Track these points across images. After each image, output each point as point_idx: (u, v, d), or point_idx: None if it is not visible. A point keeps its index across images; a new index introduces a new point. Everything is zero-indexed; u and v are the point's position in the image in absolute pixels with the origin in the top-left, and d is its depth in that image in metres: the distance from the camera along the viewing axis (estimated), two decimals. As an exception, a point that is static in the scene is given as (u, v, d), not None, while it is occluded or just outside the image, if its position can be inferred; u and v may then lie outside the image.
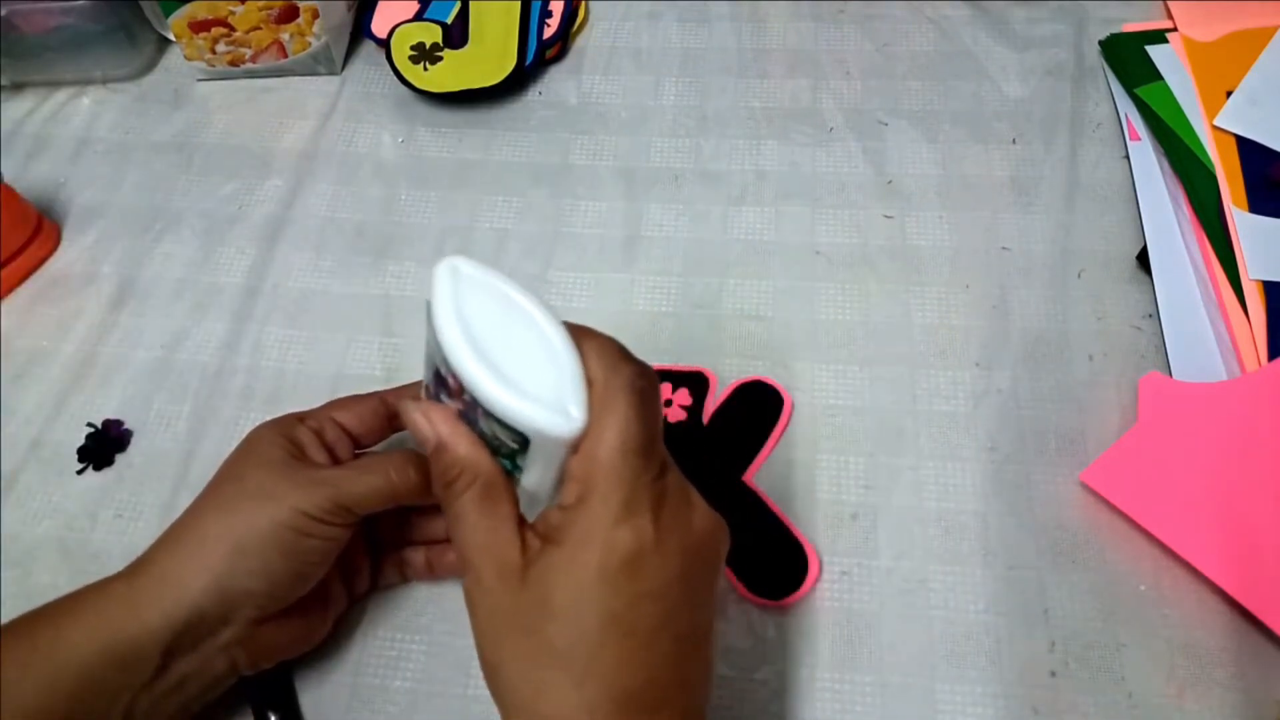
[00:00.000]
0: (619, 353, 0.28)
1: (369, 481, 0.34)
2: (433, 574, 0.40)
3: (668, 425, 0.43)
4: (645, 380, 0.27)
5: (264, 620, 0.33)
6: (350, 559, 0.38)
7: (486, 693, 0.38)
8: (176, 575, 0.32)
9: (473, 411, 0.28)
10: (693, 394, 0.45)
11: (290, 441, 0.35)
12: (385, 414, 0.38)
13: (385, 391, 0.39)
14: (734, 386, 0.45)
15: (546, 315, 0.28)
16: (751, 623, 0.39)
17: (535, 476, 0.29)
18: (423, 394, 0.32)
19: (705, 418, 0.44)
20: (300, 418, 0.37)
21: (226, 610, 0.32)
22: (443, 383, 0.29)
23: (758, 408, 0.44)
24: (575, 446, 0.27)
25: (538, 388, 0.26)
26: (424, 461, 0.36)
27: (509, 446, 0.28)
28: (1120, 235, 0.48)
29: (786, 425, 0.43)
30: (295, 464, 0.34)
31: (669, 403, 0.44)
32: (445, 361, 0.27)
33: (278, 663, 0.36)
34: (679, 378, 0.45)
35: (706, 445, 0.43)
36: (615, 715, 0.26)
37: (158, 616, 0.31)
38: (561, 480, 0.28)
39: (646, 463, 0.27)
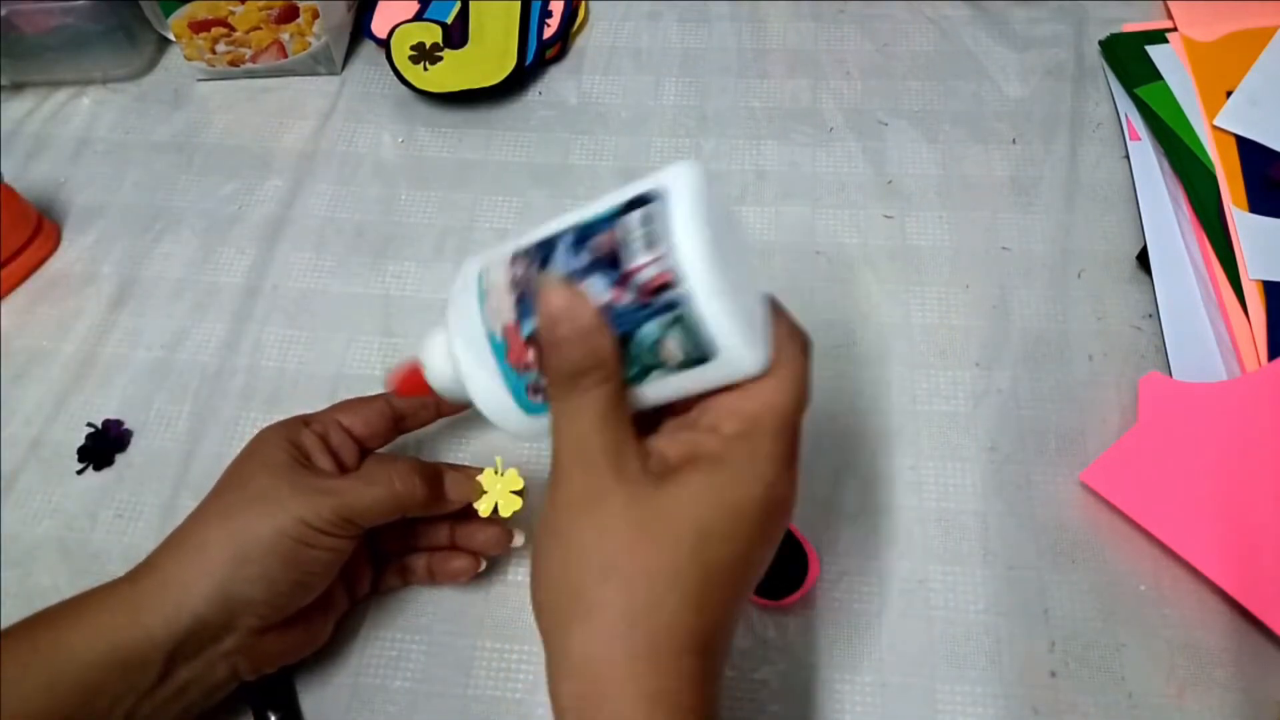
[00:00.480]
0: (794, 321, 0.28)
1: (374, 494, 0.34)
2: (434, 580, 0.40)
3: None
4: (809, 354, 0.28)
5: (266, 629, 0.33)
6: (352, 565, 0.38)
7: (486, 693, 0.38)
8: (179, 581, 0.32)
9: (636, 311, 0.26)
10: None
11: (295, 446, 0.35)
12: (391, 416, 0.38)
13: (390, 394, 0.39)
14: None
15: (750, 255, 0.28)
16: (751, 623, 0.39)
17: (654, 394, 0.27)
18: (508, 277, 0.28)
19: None
20: (305, 421, 0.37)
21: (228, 618, 0.32)
22: (612, 270, 0.26)
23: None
24: (733, 385, 0.27)
25: (744, 314, 0.26)
26: (428, 470, 0.36)
27: (662, 359, 0.26)
28: (1120, 235, 0.48)
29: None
30: (299, 470, 0.34)
31: None
32: (670, 251, 0.25)
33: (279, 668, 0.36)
34: None
35: None
36: (700, 639, 0.25)
37: (160, 623, 0.31)
38: (668, 409, 0.28)
39: (800, 427, 0.27)
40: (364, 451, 0.38)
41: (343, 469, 0.36)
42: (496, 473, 0.37)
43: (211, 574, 0.32)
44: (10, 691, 0.29)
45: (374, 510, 0.34)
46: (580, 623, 0.25)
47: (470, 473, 0.37)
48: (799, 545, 0.40)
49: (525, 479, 0.37)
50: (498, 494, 0.37)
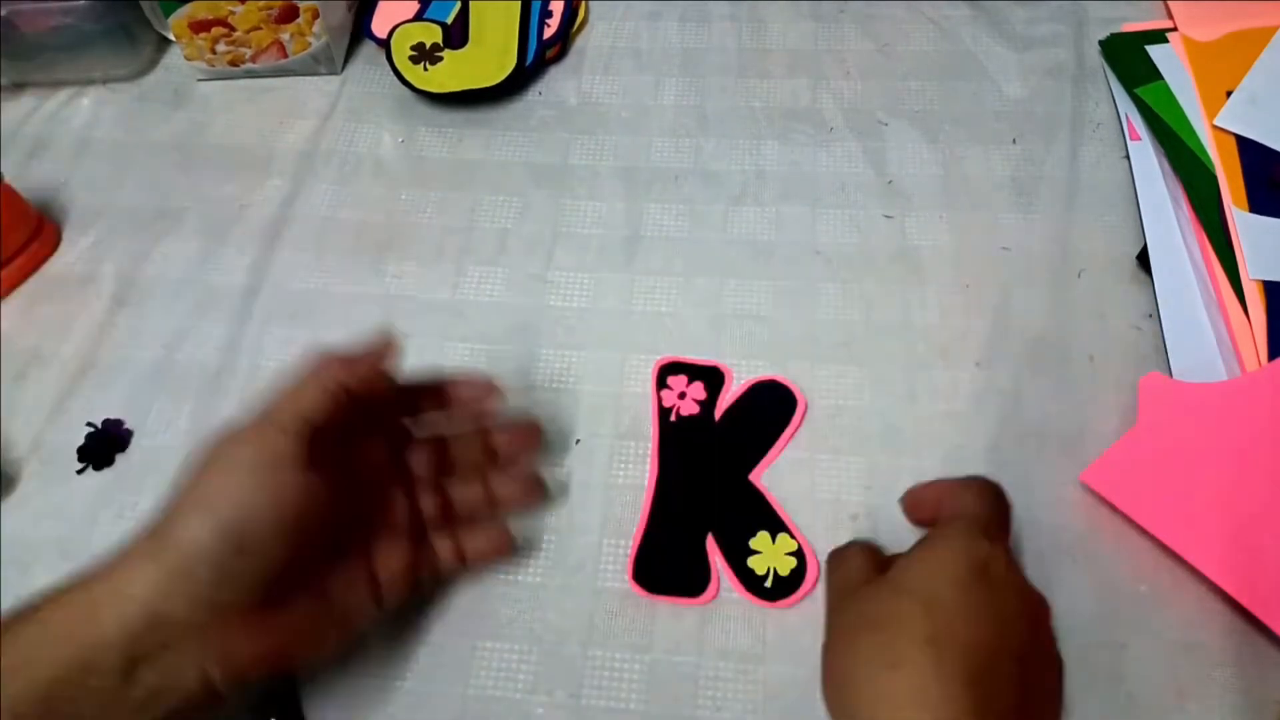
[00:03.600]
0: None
1: (291, 388, 0.33)
2: (464, 561, 0.38)
3: (679, 419, 0.44)
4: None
5: (235, 621, 0.31)
6: (364, 563, 0.36)
7: (486, 693, 0.38)
8: (128, 570, 0.30)
9: None
10: (708, 389, 0.45)
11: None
12: (403, 406, 0.39)
13: (404, 385, 0.38)
14: (748, 385, 0.45)
15: None
16: (751, 623, 0.39)
17: None
18: None
19: (718, 414, 0.44)
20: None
21: (182, 604, 0.30)
22: None
23: (770, 408, 0.44)
24: None
25: None
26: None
27: None
28: (1120, 235, 0.48)
29: (798, 427, 0.43)
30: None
31: (683, 395, 0.45)
32: None
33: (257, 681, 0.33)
34: (694, 371, 0.45)
35: (716, 442, 0.43)
36: (961, 677, 0.29)
37: (114, 619, 0.29)
38: None
39: (992, 527, 0.35)
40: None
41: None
42: (771, 540, 0.40)
43: (153, 554, 0.30)
44: None
45: (293, 404, 0.32)
46: (849, 688, 0.31)
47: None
48: (799, 548, 0.40)
49: (796, 543, 0.40)
50: (772, 559, 0.40)
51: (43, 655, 0.29)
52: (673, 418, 0.44)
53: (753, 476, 0.42)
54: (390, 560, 0.36)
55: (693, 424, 0.44)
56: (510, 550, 0.40)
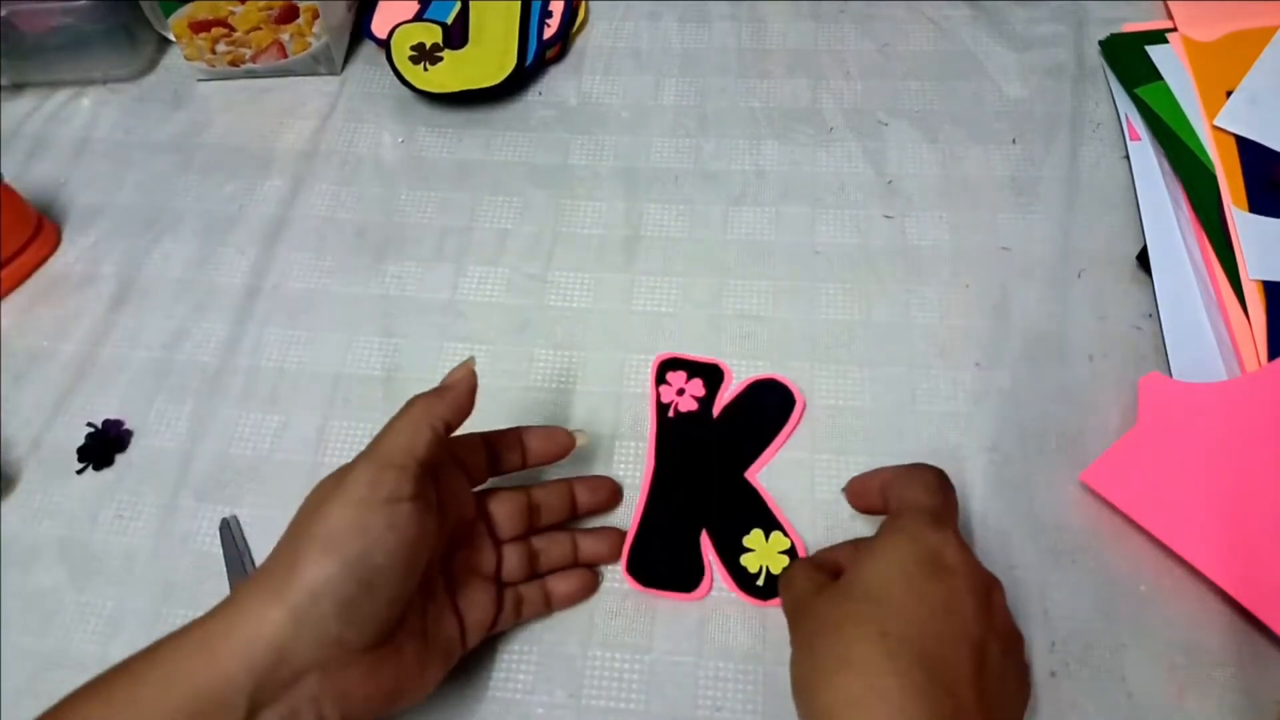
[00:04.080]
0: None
1: (395, 427, 0.33)
2: (549, 608, 0.39)
3: (678, 415, 0.44)
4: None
5: (352, 661, 0.31)
6: (454, 598, 0.36)
7: (487, 693, 0.38)
8: (252, 611, 0.30)
9: None
10: (706, 385, 0.45)
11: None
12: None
13: (487, 433, 0.39)
14: (747, 383, 0.45)
15: None
16: (751, 623, 0.39)
17: None
18: None
19: (716, 411, 0.44)
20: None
21: (305, 647, 0.30)
22: None
23: (768, 406, 0.44)
24: None
25: None
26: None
27: None
28: (1120, 235, 0.48)
29: (796, 426, 0.44)
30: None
31: (681, 392, 0.45)
32: None
33: None
34: (694, 368, 0.46)
35: (714, 439, 0.43)
36: (916, 668, 0.29)
37: (238, 661, 0.29)
38: None
39: (942, 515, 0.35)
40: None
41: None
42: (764, 538, 0.40)
43: (278, 595, 0.30)
44: None
45: (399, 441, 0.33)
46: (809, 694, 0.31)
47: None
48: (792, 548, 0.40)
49: (789, 541, 0.40)
50: (765, 557, 0.40)
51: (165, 696, 0.29)
52: (671, 414, 0.44)
53: (749, 474, 0.42)
54: (476, 599, 0.37)
55: (691, 420, 0.44)
56: (595, 590, 0.40)
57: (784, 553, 0.40)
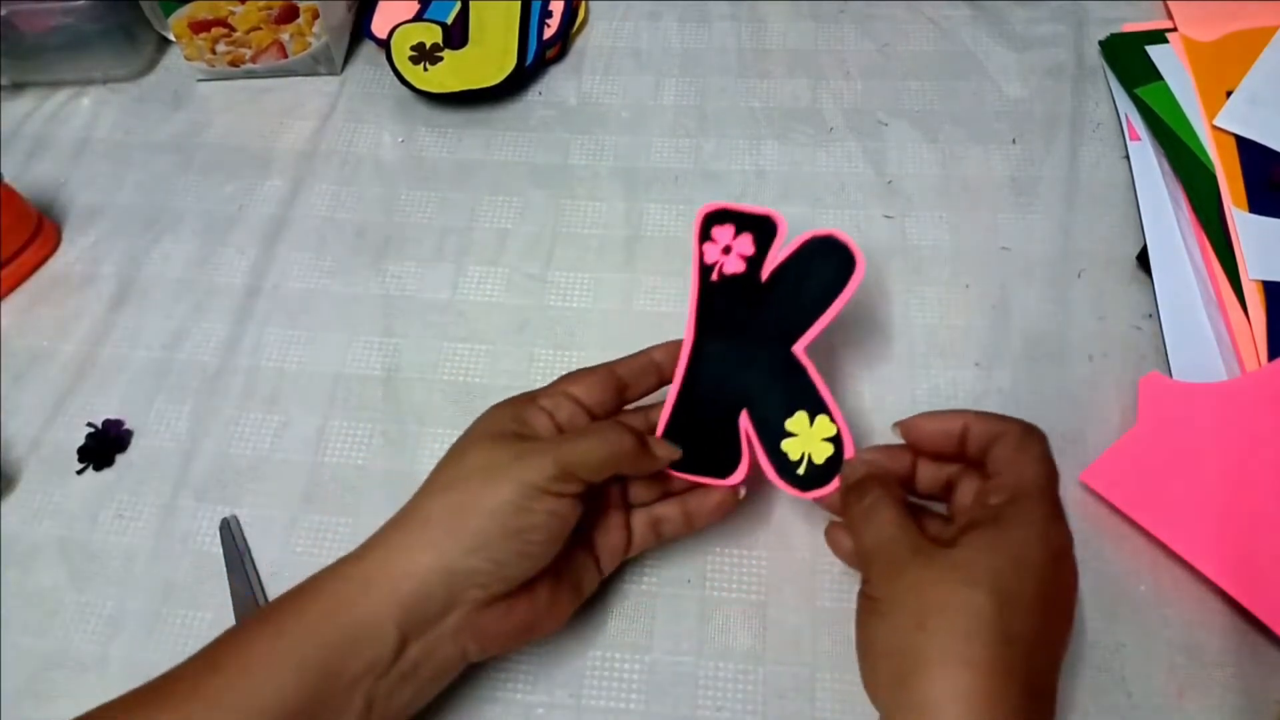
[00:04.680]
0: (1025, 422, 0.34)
1: (587, 444, 0.34)
2: (691, 527, 0.39)
3: (722, 278, 0.39)
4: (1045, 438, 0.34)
5: (491, 603, 0.33)
6: (591, 536, 0.37)
7: (487, 692, 0.38)
8: (404, 553, 0.32)
9: None
10: (756, 242, 0.39)
11: (518, 420, 0.35)
12: (615, 386, 0.38)
13: (613, 363, 0.39)
14: (803, 240, 0.38)
15: None
16: (751, 623, 0.39)
17: None
18: None
19: (765, 273, 0.39)
20: (533, 397, 0.37)
21: (453, 590, 0.32)
22: None
23: (825, 268, 0.38)
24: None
25: None
26: (635, 427, 0.36)
27: None
28: (1120, 235, 0.48)
29: (854, 291, 0.38)
30: (520, 440, 0.34)
31: (728, 250, 0.39)
32: None
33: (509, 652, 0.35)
34: (744, 220, 0.39)
35: (761, 305, 0.38)
36: (1021, 669, 0.28)
37: (389, 594, 0.31)
38: None
39: (1059, 500, 0.32)
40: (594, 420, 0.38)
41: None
42: (809, 423, 0.36)
43: (434, 544, 0.32)
44: (262, 674, 0.30)
45: (588, 461, 0.33)
46: (913, 676, 0.28)
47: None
48: (838, 436, 0.37)
49: (835, 428, 0.36)
50: (808, 443, 0.36)
51: (327, 625, 0.31)
52: (714, 276, 0.39)
53: (797, 348, 0.38)
54: (604, 526, 0.38)
55: (737, 284, 0.39)
56: (735, 506, 0.38)
57: (829, 440, 0.36)
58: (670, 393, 0.39)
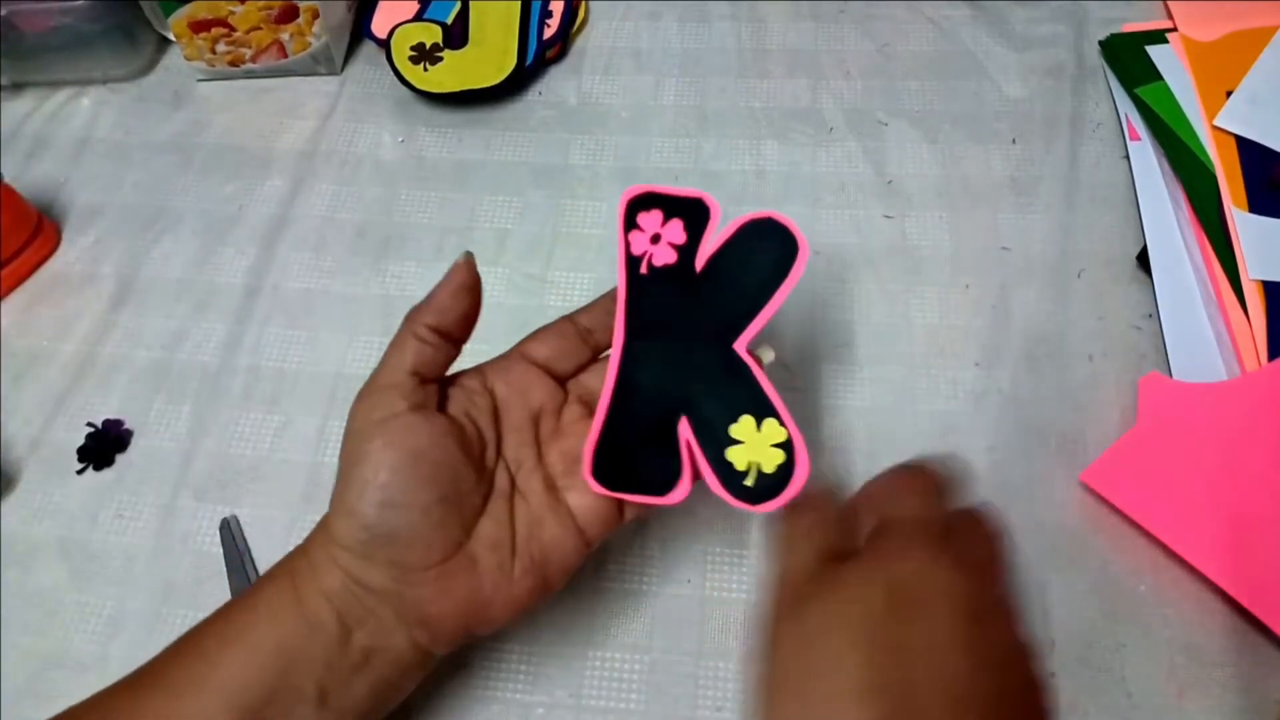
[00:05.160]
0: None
1: (390, 347, 0.34)
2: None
3: (652, 270, 0.35)
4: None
5: (420, 574, 0.31)
6: (551, 504, 0.34)
7: (488, 692, 0.38)
8: (323, 552, 0.32)
9: None
10: (688, 228, 0.35)
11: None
12: (576, 333, 0.36)
13: (572, 313, 0.37)
14: (739, 224, 0.34)
15: None
16: (752, 622, 0.39)
17: None
18: None
19: (699, 263, 0.34)
20: (463, 374, 0.36)
21: (368, 565, 0.31)
22: None
23: (764, 254, 0.34)
24: None
25: None
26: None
27: None
28: (1120, 235, 0.48)
29: (798, 279, 0.34)
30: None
31: (656, 239, 0.35)
32: None
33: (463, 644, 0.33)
34: (672, 205, 0.35)
35: (696, 299, 0.34)
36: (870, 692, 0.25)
37: (318, 584, 0.31)
38: None
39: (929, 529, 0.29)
40: (559, 380, 0.36)
41: None
42: (755, 427, 0.32)
43: (350, 511, 0.31)
44: (217, 669, 0.30)
45: (393, 359, 0.33)
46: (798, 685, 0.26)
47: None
48: (788, 440, 0.32)
49: (785, 432, 0.32)
50: (756, 450, 0.32)
51: (277, 612, 0.31)
52: (643, 269, 0.35)
53: (738, 345, 0.33)
54: (579, 486, 0.34)
55: (668, 275, 0.34)
56: None
57: (779, 445, 0.32)
58: (600, 404, 0.34)
